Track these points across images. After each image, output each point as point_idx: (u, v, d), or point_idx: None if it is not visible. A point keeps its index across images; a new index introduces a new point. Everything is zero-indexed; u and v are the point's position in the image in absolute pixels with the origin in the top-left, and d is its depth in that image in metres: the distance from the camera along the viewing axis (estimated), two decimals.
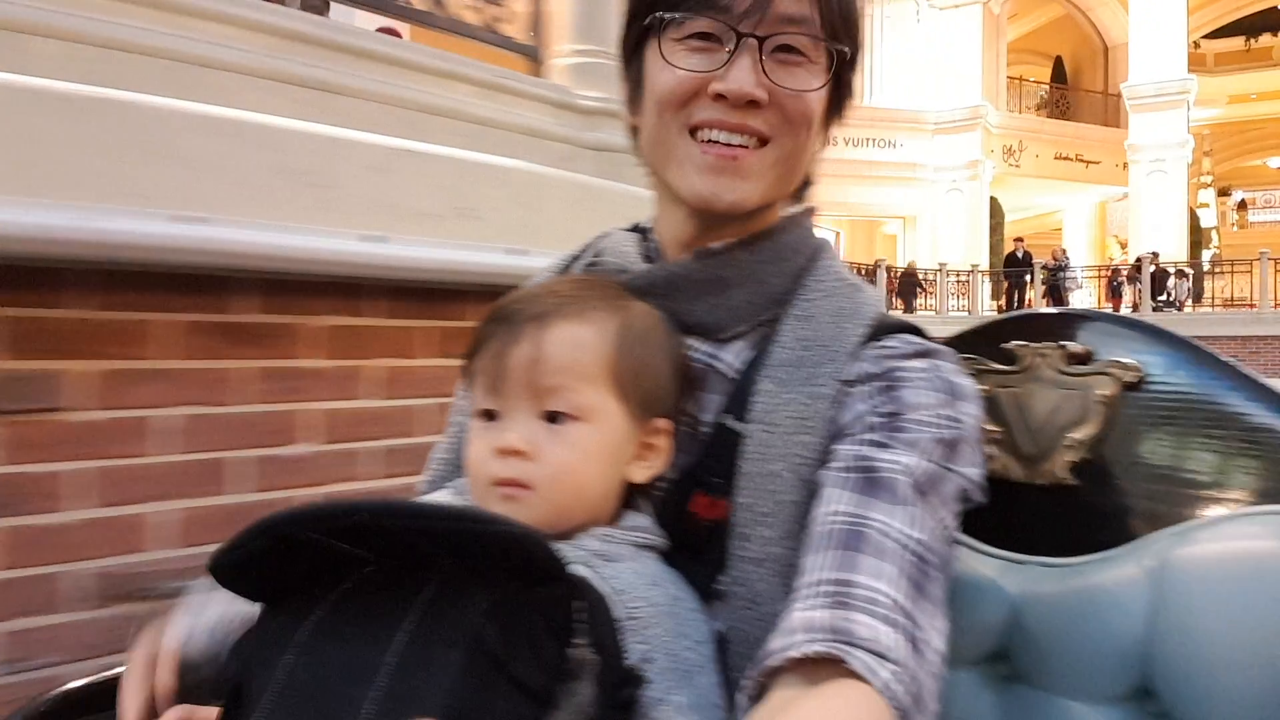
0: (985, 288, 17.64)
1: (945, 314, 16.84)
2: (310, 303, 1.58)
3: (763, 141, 0.70)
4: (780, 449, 0.66)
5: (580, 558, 0.62)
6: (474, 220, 1.70)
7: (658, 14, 0.69)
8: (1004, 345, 0.88)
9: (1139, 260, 16.11)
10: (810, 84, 0.69)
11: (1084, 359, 0.84)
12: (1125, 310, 16.66)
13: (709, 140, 0.69)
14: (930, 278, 17.19)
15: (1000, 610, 0.79)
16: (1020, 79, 23.18)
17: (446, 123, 1.85)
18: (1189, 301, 16.47)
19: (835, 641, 0.52)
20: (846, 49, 0.70)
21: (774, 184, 0.71)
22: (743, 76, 0.67)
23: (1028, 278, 16.87)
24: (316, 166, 1.48)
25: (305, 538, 0.53)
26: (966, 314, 16.93)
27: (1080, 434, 0.82)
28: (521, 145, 2.03)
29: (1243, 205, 29.90)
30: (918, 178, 20.12)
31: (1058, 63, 24.51)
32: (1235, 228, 28.77)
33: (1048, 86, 24.02)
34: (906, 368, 0.68)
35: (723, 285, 0.72)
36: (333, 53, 1.75)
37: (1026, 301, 16.81)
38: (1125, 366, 0.81)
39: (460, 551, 0.53)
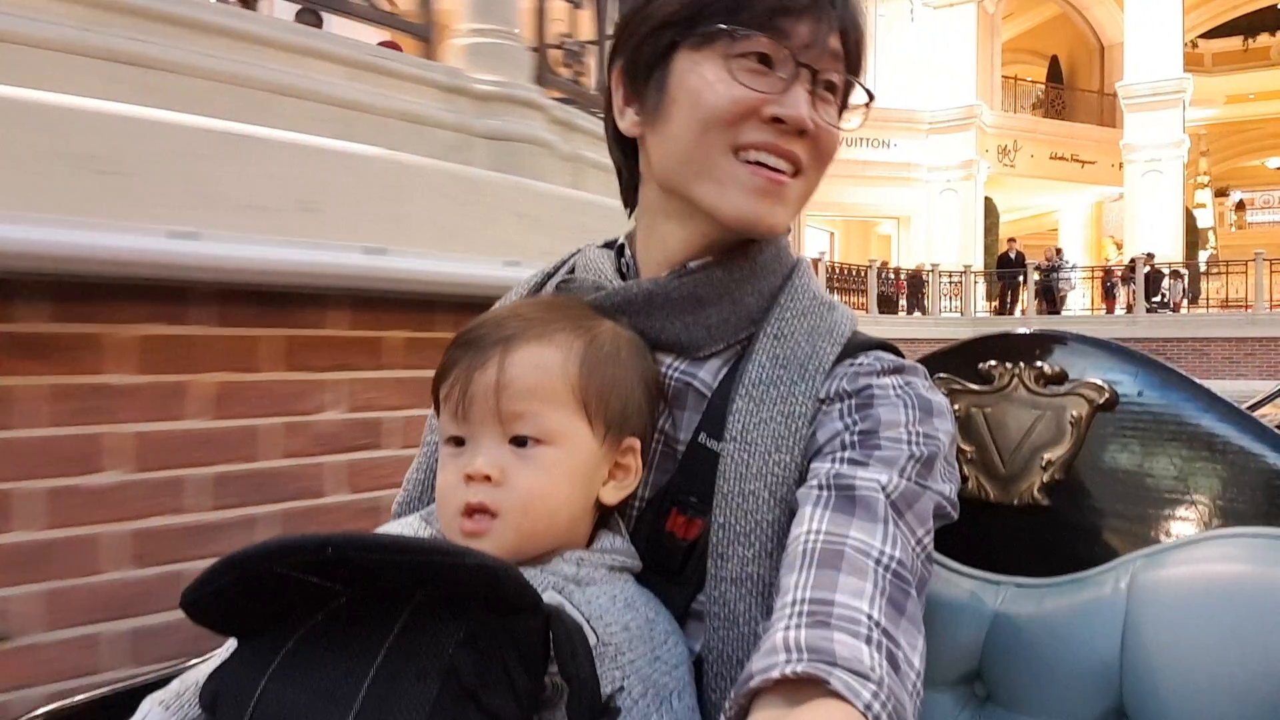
0: (980, 288, 17.44)
1: (937, 316, 16.63)
2: (115, 310, 1.36)
3: (798, 171, 0.71)
4: (757, 468, 0.66)
5: (552, 583, 0.62)
6: (317, 214, 1.49)
7: (721, 25, 0.68)
8: (979, 365, 0.88)
9: (1133, 261, 15.86)
10: (838, 121, 0.72)
11: (1057, 379, 0.84)
12: (1119, 311, 16.58)
13: (756, 162, 0.69)
14: (923, 278, 16.95)
15: (976, 630, 0.79)
16: (1015, 78, 23.14)
17: (302, 105, 1.64)
18: (1184, 303, 16.21)
19: (816, 662, 0.51)
20: (856, 83, 0.73)
21: (797, 212, 0.73)
22: (801, 104, 0.68)
23: (1020, 278, 16.62)
24: (106, 151, 1.27)
25: (275, 572, 0.53)
26: (959, 315, 16.78)
27: (1053, 454, 0.82)
28: (399, 133, 1.82)
29: (1241, 206, 29.83)
30: (912, 178, 20.07)
31: (1053, 62, 24.47)
32: (1234, 228, 28.67)
33: (1043, 86, 23.91)
34: (880, 384, 0.69)
35: (699, 304, 0.72)
36: (163, 25, 1.54)
37: (1020, 303, 16.58)
38: (1097, 387, 0.81)
39: (432, 583, 0.53)
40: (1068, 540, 0.82)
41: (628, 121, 0.77)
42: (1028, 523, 0.84)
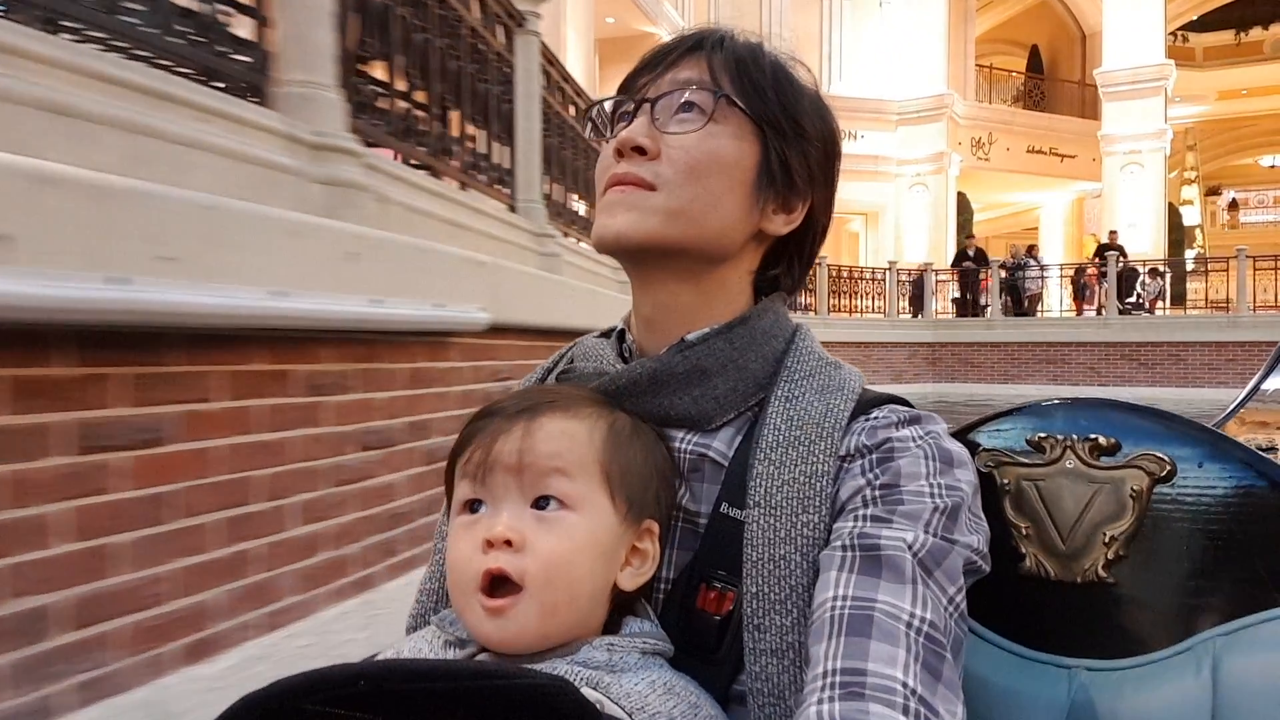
0: (951, 288, 16.37)
1: (894, 317, 15.53)
2: None
3: (652, 189, 0.71)
4: (785, 531, 0.65)
5: (584, 676, 0.59)
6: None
7: (584, 109, 0.56)
8: (1028, 437, 0.86)
9: (1103, 255, 14.69)
10: (694, 127, 0.71)
11: (1110, 451, 0.82)
12: (1089, 313, 15.51)
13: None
14: (879, 276, 15.84)
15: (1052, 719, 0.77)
16: (990, 67, 22.17)
17: None
18: (1160, 303, 15.04)
19: None
20: (740, 101, 0.72)
21: (667, 222, 0.70)
22: (633, 128, 0.72)
23: (981, 277, 15.52)
24: None
25: (299, 710, 0.49)
26: (919, 317, 15.71)
27: (1115, 529, 0.80)
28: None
29: (1234, 205, 29.02)
30: (880, 171, 19.32)
31: (1033, 52, 23.71)
32: (1226, 228, 27.78)
33: (1020, 76, 22.90)
34: (900, 437, 0.68)
35: (705, 376, 0.72)
36: None
37: (982, 304, 15.44)
38: (1157, 460, 0.80)
39: (476, 710, 0.50)
40: (1137, 619, 0.79)
41: None
42: (1094, 601, 0.80)
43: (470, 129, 3.42)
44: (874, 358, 14.44)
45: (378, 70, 2.65)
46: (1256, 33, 24.60)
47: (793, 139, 0.73)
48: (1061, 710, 0.76)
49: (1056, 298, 16.40)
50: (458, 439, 0.67)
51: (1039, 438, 0.85)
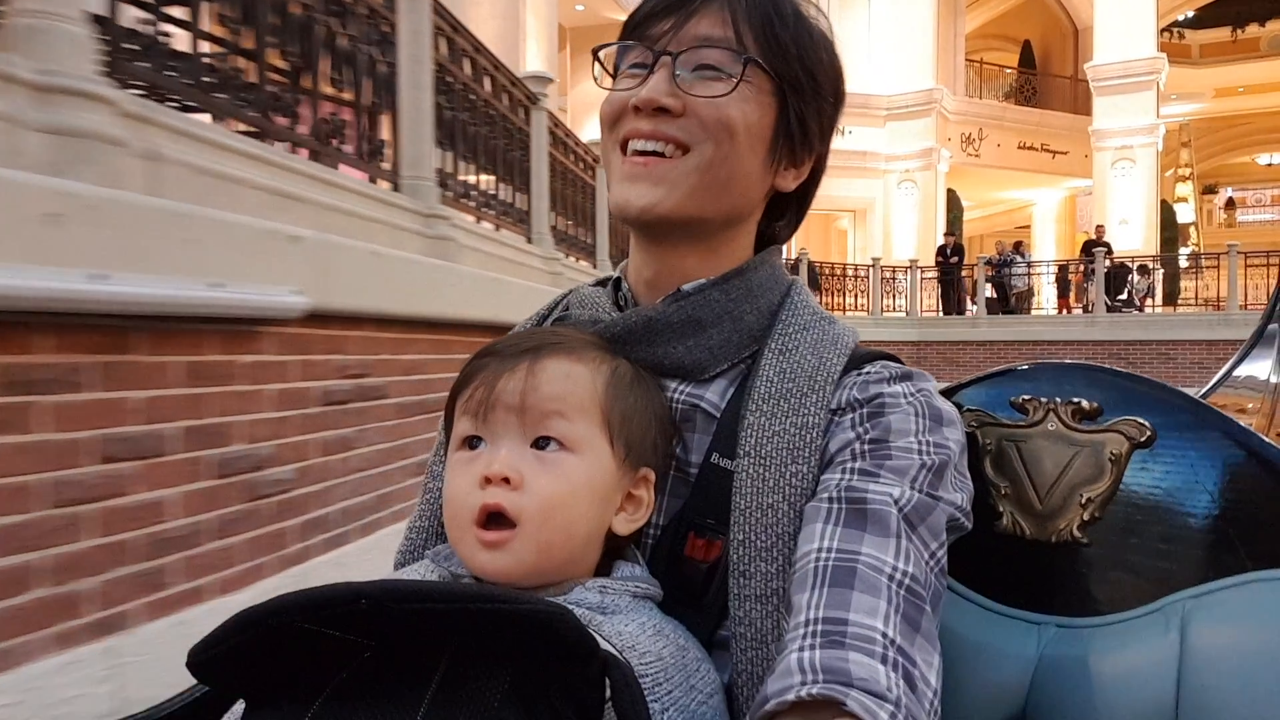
0: (934, 286, 16.01)
1: (878, 315, 15.16)
2: None
3: (685, 150, 0.70)
4: (774, 481, 0.66)
5: (579, 614, 0.54)
6: None
7: (594, 48, 0.76)
8: (1011, 398, 0.87)
9: (1090, 250, 14.29)
10: (723, 91, 0.70)
11: (1093, 415, 0.83)
12: (1077, 310, 15.12)
13: (633, 151, 0.71)
14: (862, 274, 15.46)
15: (1020, 674, 0.77)
16: (981, 61, 21.80)
17: None
18: (1149, 300, 14.64)
19: (832, 683, 0.50)
20: (765, 64, 0.71)
21: (694, 193, 0.70)
22: (654, 86, 0.69)
23: (955, 275, 15.16)
24: None
25: (296, 628, 0.49)
26: (904, 315, 15.34)
27: (1092, 492, 0.81)
28: None
29: (1231, 204, 28.72)
30: (868, 167, 18.94)
31: (1025, 47, 23.36)
32: (1224, 227, 27.42)
33: (1012, 71, 22.56)
34: (891, 392, 0.69)
35: (700, 326, 0.72)
36: None
37: (964, 301, 15.07)
38: (1138, 425, 0.81)
39: (473, 633, 0.50)
40: (1108, 579, 0.80)
41: None
42: (1067, 560, 0.81)
43: (336, 92, 3.02)
44: None
45: (176, 9, 2.24)
46: (1253, 29, 24.33)
47: (810, 96, 0.73)
48: (1030, 664, 0.77)
49: (1048, 295, 16.04)
50: (459, 376, 0.67)
51: (1023, 399, 0.86)
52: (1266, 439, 0.78)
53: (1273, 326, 3.43)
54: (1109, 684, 0.72)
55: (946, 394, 0.84)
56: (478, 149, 4.33)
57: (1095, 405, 0.82)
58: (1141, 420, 0.80)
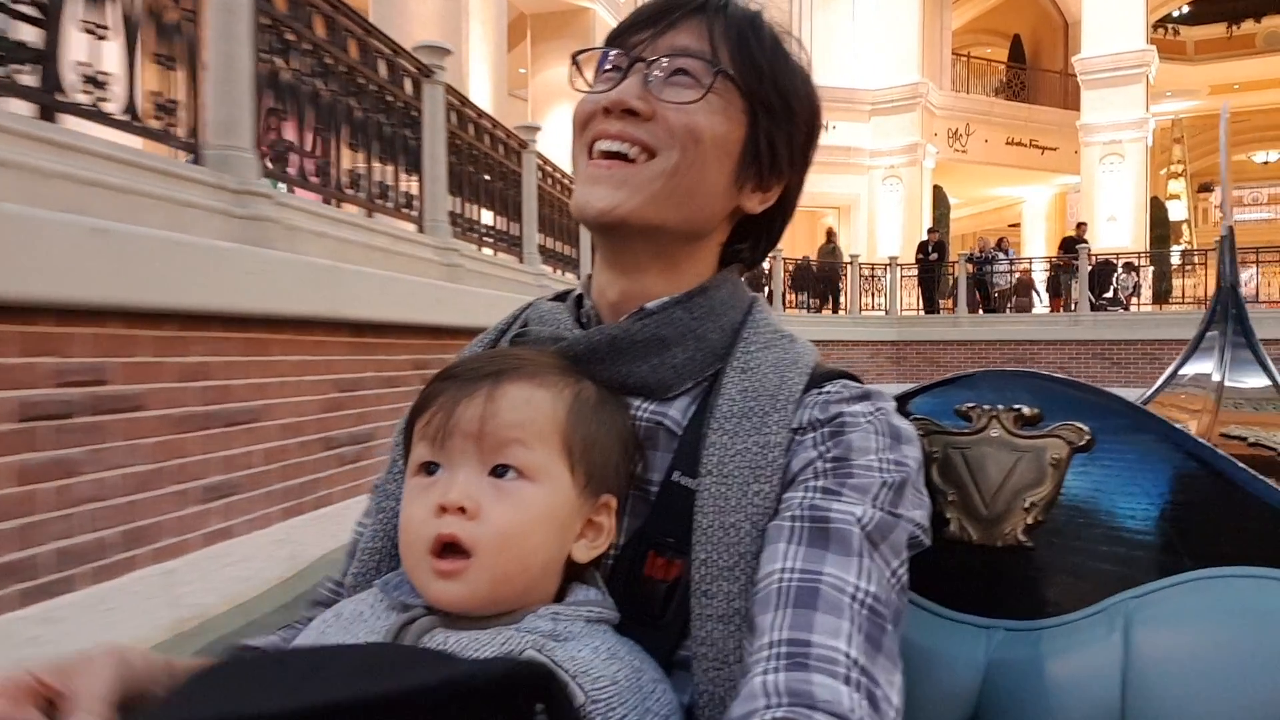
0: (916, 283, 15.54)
1: (856, 314, 14.68)
2: None
3: (650, 155, 0.71)
4: (736, 500, 0.65)
5: (530, 641, 0.59)
6: None
7: (573, 53, 0.77)
8: (956, 406, 0.89)
9: (1072, 247, 13.80)
10: (693, 98, 0.71)
11: (1034, 421, 0.85)
12: (1042, 309, 14.71)
13: (598, 152, 0.71)
14: (841, 272, 14.97)
15: (971, 678, 0.79)
16: (968, 55, 21.33)
17: None
18: (1135, 299, 14.16)
19: (796, 706, 0.51)
20: (737, 78, 0.72)
21: (655, 199, 0.71)
22: (624, 88, 0.71)
23: (937, 272, 14.69)
24: None
25: None
26: (883, 314, 14.87)
27: (1035, 496, 0.83)
28: None
29: None
30: (852, 163, 18.57)
31: (1015, 41, 22.91)
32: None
33: (1001, 66, 22.13)
34: (852, 412, 0.69)
35: (664, 345, 0.72)
36: None
37: (945, 299, 14.62)
38: (1076, 430, 0.83)
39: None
40: (1053, 581, 0.81)
41: None
42: (1013, 564, 0.83)
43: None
44: (833, 356, 13.55)
45: None
46: (1249, 25, 23.93)
47: (781, 120, 0.74)
48: (980, 668, 0.79)
49: (1040, 293, 15.59)
50: (418, 398, 0.66)
51: (967, 407, 0.88)
52: (1202, 441, 0.81)
53: (1211, 333, 3.58)
54: (1057, 685, 0.74)
55: (899, 401, 0.87)
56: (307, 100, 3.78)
57: (1036, 411, 0.85)
58: (1081, 425, 0.83)
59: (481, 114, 5.65)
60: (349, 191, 3.94)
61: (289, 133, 3.39)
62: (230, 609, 2.77)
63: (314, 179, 3.61)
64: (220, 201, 2.89)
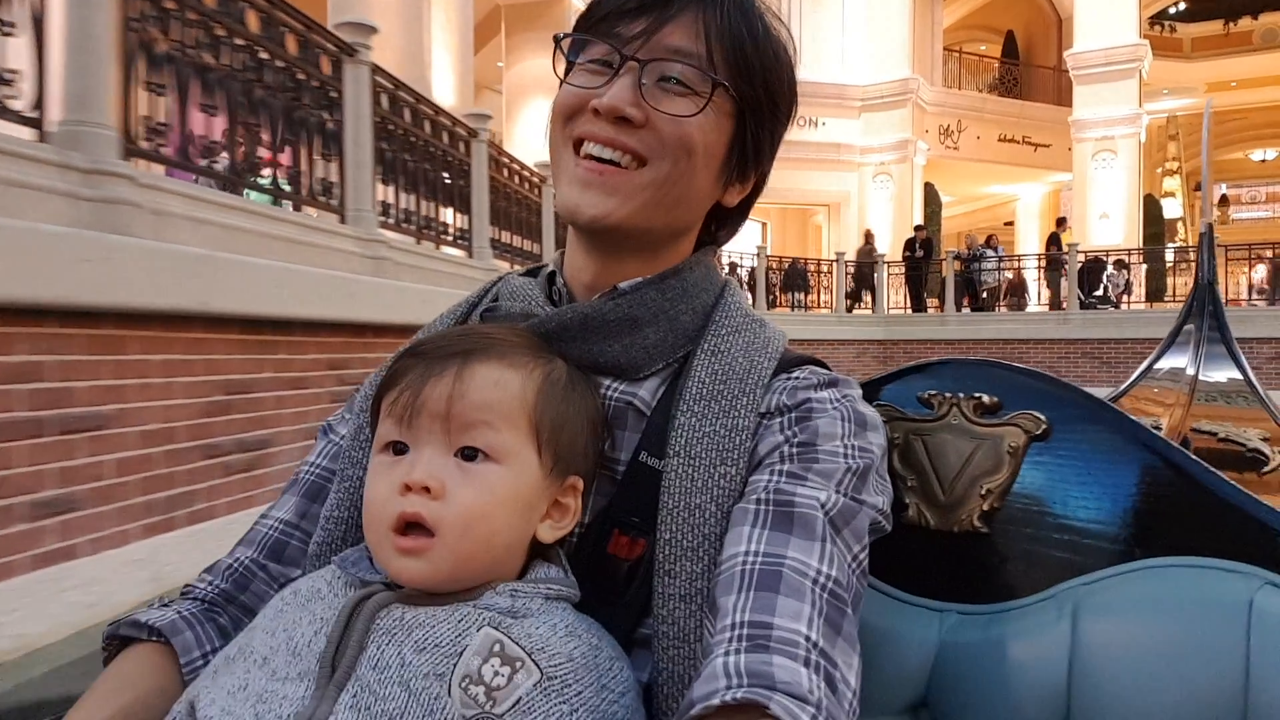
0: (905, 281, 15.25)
1: (841, 313, 14.38)
2: None
3: (641, 163, 0.71)
4: (703, 482, 0.66)
5: (487, 619, 0.59)
6: None
7: (556, 35, 0.75)
8: (919, 393, 0.90)
9: (1057, 243, 13.51)
10: (688, 111, 0.70)
11: (993, 410, 0.86)
12: (1033, 307, 14.40)
13: (587, 155, 0.71)
14: (826, 269, 14.68)
15: (922, 659, 0.81)
16: (960, 51, 21.03)
17: None
18: (1126, 297, 13.86)
19: (756, 687, 0.52)
20: (731, 87, 0.71)
21: (646, 207, 0.71)
22: (618, 93, 0.69)
23: (924, 270, 14.40)
24: None
25: None
26: (869, 313, 14.58)
27: (992, 483, 0.84)
28: None
29: (1225, 201, 28.04)
30: (842, 160, 18.28)
31: (1009, 37, 22.58)
32: (1217, 224, 26.72)
33: (993, 62, 21.84)
34: (819, 398, 0.70)
35: (636, 325, 0.73)
36: None
37: (930, 298, 14.34)
38: (1034, 419, 0.84)
39: None
40: (1007, 567, 0.83)
41: None
42: (968, 550, 0.84)
43: None
44: (818, 355, 13.31)
45: None
46: (1246, 23, 23.63)
47: (767, 118, 0.74)
48: (932, 650, 0.80)
49: (1034, 292, 15.28)
50: (386, 374, 0.65)
51: (929, 395, 0.89)
52: (1155, 432, 0.81)
53: (1188, 327, 3.48)
54: (1005, 668, 0.75)
55: (865, 388, 0.87)
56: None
57: (995, 400, 0.86)
58: (1038, 414, 0.83)
59: (420, 99, 5.33)
60: (250, 177, 3.63)
61: (163, 110, 3.08)
62: (70, 636, 2.48)
63: (198, 161, 3.30)
64: (65, 183, 2.59)
